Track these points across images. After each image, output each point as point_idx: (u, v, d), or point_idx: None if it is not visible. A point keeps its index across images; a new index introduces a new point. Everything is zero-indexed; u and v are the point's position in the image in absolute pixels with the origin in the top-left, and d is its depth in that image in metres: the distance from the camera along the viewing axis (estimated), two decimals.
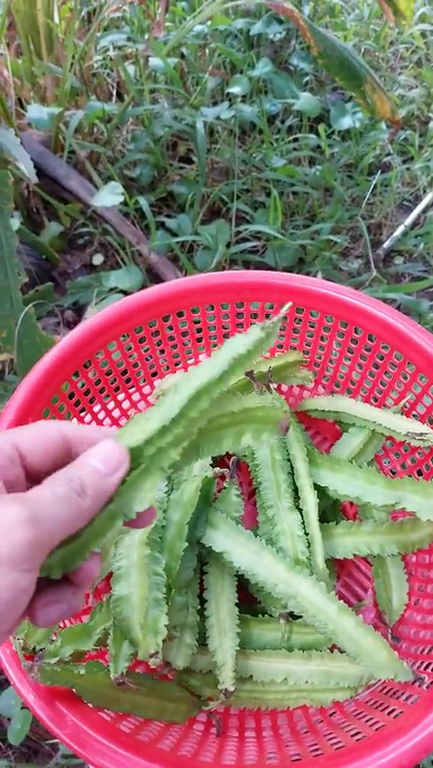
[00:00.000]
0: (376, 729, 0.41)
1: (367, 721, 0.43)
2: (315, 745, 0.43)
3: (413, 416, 0.59)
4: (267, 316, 0.64)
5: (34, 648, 0.42)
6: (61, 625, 0.48)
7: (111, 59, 1.37)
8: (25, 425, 0.34)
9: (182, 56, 1.36)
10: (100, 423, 0.64)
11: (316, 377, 0.67)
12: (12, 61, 1.33)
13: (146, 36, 1.28)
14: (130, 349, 0.62)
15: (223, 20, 1.29)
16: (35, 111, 1.22)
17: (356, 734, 0.42)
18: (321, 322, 0.62)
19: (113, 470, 0.30)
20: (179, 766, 0.37)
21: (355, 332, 0.60)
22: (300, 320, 0.63)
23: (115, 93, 1.45)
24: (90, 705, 0.42)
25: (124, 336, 0.60)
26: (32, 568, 0.27)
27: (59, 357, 0.55)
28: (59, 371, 0.55)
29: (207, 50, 1.38)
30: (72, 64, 1.24)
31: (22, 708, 0.79)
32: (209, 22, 1.31)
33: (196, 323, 0.63)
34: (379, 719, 0.43)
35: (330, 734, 0.44)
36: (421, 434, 0.54)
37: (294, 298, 0.60)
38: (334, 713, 0.48)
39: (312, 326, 0.63)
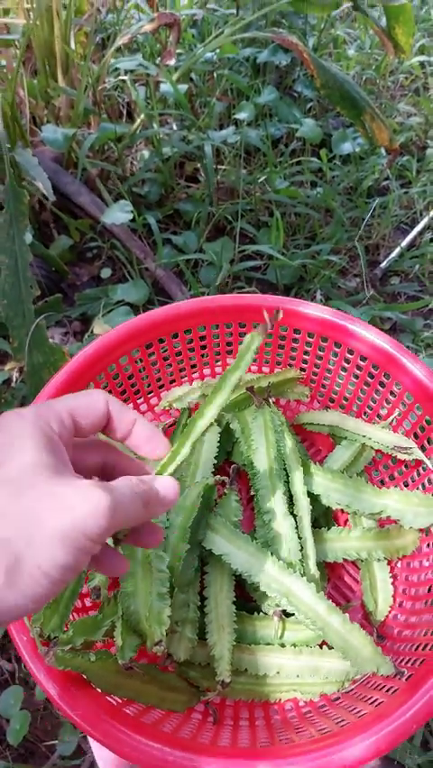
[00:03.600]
0: (359, 717, 0.45)
1: (352, 710, 0.48)
2: (303, 729, 0.47)
3: (400, 431, 0.64)
4: (268, 335, 0.69)
5: (49, 636, 0.46)
6: (73, 618, 0.52)
7: (123, 82, 1.43)
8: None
9: (191, 80, 1.41)
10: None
11: (312, 393, 0.72)
12: (28, 81, 1.39)
13: (157, 61, 1.34)
14: (140, 362, 0.67)
15: (231, 49, 1.34)
16: (50, 131, 1.27)
17: (341, 721, 0.46)
18: (317, 342, 0.67)
19: (169, 501, 0.36)
20: (178, 745, 0.41)
21: (349, 353, 0.65)
22: (298, 340, 0.67)
23: (125, 113, 1.50)
24: (98, 690, 0.46)
25: (135, 351, 0.64)
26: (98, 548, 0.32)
27: (76, 369, 0.60)
28: (75, 383, 0.60)
29: (214, 75, 1.44)
30: (86, 87, 1.29)
31: (21, 709, 0.82)
32: (218, 50, 1.36)
33: (201, 339, 0.68)
34: (362, 708, 0.47)
35: (318, 722, 0.48)
36: (407, 447, 0.59)
37: (293, 321, 0.65)
38: (322, 705, 0.52)
39: (309, 346, 0.68)
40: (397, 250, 1.31)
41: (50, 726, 0.84)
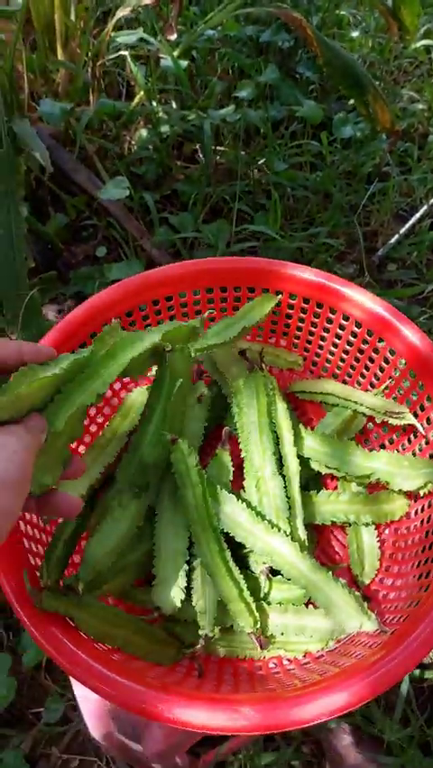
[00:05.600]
0: (341, 668, 0.45)
1: (335, 664, 0.48)
2: (287, 682, 0.47)
3: (392, 398, 0.64)
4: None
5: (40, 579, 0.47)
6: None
7: (123, 59, 1.42)
8: None
9: (192, 59, 1.41)
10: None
11: (305, 362, 0.72)
12: (27, 56, 1.38)
13: (158, 37, 1.33)
14: (133, 326, 0.66)
15: (233, 26, 1.34)
16: (47, 105, 1.26)
17: (324, 673, 0.46)
18: (312, 309, 0.66)
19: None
20: (162, 690, 0.41)
21: (344, 319, 0.65)
22: (293, 306, 0.67)
23: (125, 91, 1.49)
24: (85, 637, 0.46)
25: (128, 314, 0.64)
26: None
27: (68, 328, 0.60)
28: (66, 343, 0.59)
29: (216, 54, 1.43)
30: (85, 62, 1.28)
31: (7, 676, 0.82)
32: (220, 28, 1.36)
33: (196, 304, 0.68)
34: (346, 662, 0.47)
35: (301, 675, 0.49)
36: (399, 412, 0.59)
37: (289, 285, 0.65)
38: (307, 662, 0.53)
39: (304, 312, 0.67)
40: (395, 236, 1.31)
41: (37, 695, 0.85)
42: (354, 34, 1.50)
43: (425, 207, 1.34)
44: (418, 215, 1.34)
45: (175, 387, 0.53)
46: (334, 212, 1.29)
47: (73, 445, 0.64)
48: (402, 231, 1.32)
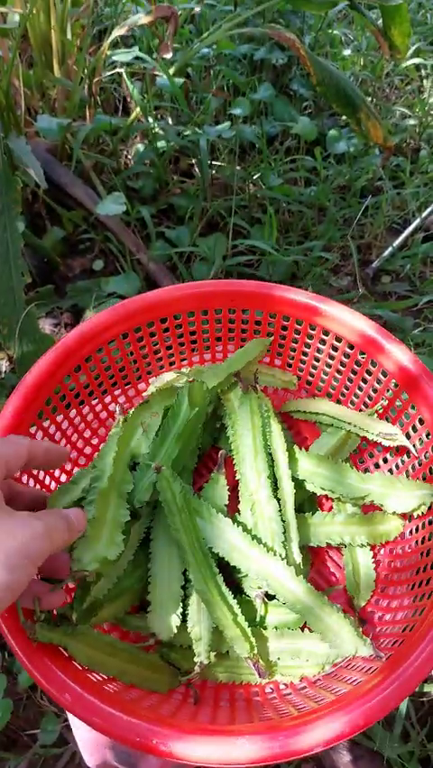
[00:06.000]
0: (338, 695, 0.45)
1: (331, 690, 0.48)
2: (283, 709, 0.47)
3: (386, 419, 0.64)
4: (256, 323, 0.69)
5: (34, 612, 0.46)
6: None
7: (119, 75, 1.43)
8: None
9: (188, 75, 1.42)
10: (97, 415, 0.68)
11: (299, 382, 0.72)
12: (23, 72, 1.39)
13: (153, 55, 1.34)
14: (129, 347, 0.67)
15: (228, 45, 1.35)
16: (45, 121, 1.27)
17: (321, 700, 0.46)
18: (306, 330, 0.67)
19: (81, 528, 0.45)
20: (155, 722, 0.41)
21: (337, 341, 0.65)
22: (286, 327, 0.68)
23: (121, 108, 1.51)
24: (80, 667, 0.46)
25: (123, 335, 0.64)
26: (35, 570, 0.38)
27: (64, 351, 0.60)
28: (63, 365, 0.60)
29: (211, 72, 1.44)
30: (82, 78, 1.29)
31: (3, 698, 0.82)
32: (215, 46, 1.37)
33: (191, 325, 0.68)
34: (342, 688, 0.47)
35: (298, 702, 0.48)
36: (392, 434, 0.59)
37: (283, 308, 0.65)
38: (303, 687, 0.52)
39: (297, 334, 0.68)
40: (389, 249, 1.32)
41: (33, 716, 0.84)
42: (347, 53, 1.52)
43: (417, 221, 1.35)
44: (410, 229, 1.35)
45: (191, 413, 0.58)
46: (328, 226, 1.30)
47: (74, 456, 0.65)
48: (396, 244, 1.33)
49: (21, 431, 0.55)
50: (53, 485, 0.61)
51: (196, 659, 0.52)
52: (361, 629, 0.53)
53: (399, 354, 0.59)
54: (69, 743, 0.81)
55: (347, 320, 0.62)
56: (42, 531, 0.38)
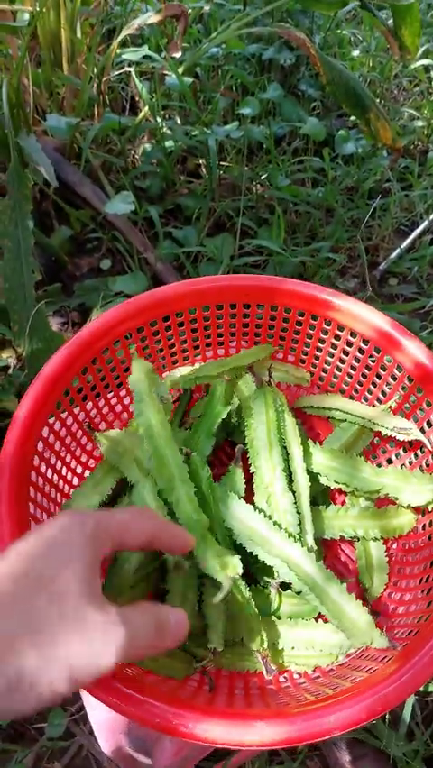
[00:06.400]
0: (353, 683, 0.46)
1: (346, 678, 0.48)
2: (298, 696, 0.48)
3: (400, 414, 0.65)
4: (271, 318, 0.70)
5: None
6: None
7: (128, 75, 1.44)
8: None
9: (196, 75, 1.43)
10: (104, 416, 0.69)
11: (312, 378, 0.73)
12: (33, 71, 1.40)
13: (162, 54, 1.35)
14: (144, 341, 0.67)
15: (237, 44, 1.36)
16: (54, 120, 1.28)
17: (335, 687, 0.47)
18: (320, 325, 0.67)
19: (180, 637, 0.41)
20: (176, 703, 0.42)
21: (351, 336, 0.66)
22: (301, 323, 0.68)
23: (129, 107, 1.51)
24: None
25: (139, 329, 0.65)
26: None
27: (80, 344, 0.60)
28: (72, 365, 0.60)
29: (219, 71, 1.45)
30: (91, 77, 1.30)
31: None
32: (224, 45, 1.38)
33: (206, 320, 0.69)
34: (357, 676, 0.47)
35: (312, 689, 0.49)
36: (406, 428, 0.60)
37: (297, 302, 0.66)
38: (317, 676, 0.53)
39: (312, 329, 0.69)
40: (396, 251, 1.33)
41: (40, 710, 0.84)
42: (355, 53, 1.53)
43: (425, 223, 1.36)
44: (418, 231, 1.36)
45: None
46: (336, 227, 1.31)
47: (84, 460, 0.65)
48: (403, 245, 1.34)
49: (39, 420, 0.55)
50: (70, 476, 0.62)
51: (209, 645, 0.52)
52: (375, 621, 0.53)
53: (414, 350, 0.60)
54: (76, 736, 0.81)
55: (363, 315, 0.63)
56: (121, 644, 0.34)
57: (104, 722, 0.57)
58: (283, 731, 0.40)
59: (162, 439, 0.55)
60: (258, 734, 0.40)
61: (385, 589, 0.60)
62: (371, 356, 0.66)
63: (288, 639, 0.54)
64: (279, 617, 0.55)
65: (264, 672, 0.51)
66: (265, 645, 0.52)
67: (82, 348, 0.60)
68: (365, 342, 0.65)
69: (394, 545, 0.63)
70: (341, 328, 0.66)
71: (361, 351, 0.66)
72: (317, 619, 0.56)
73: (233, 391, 0.65)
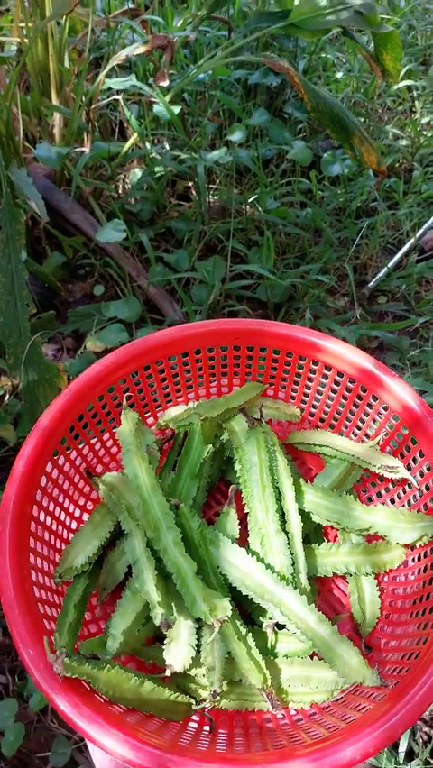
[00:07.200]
0: (348, 722, 0.48)
1: (341, 717, 0.50)
2: (295, 736, 0.50)
3: (387, 450, 0.67)
4: (261, 359, 0.72)
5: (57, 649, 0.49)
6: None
7: (116, 101, 1.46)
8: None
9: (183, 100, 1.45)
10: (100, 458, 0.71)
11: (303, 414, 0.75)
12: (21, 98, 1.41)
13: (150, 80, 1.37)
14: (138, 384, 0.69)
15: (223, 71, 1.38)
16: (44, 150, 1.29)
17: (331, 727, 0.49)
18: (308, 365, 0.70)
19: None
20: (176, 752, 0.43)
21: (339, 375, 0.68)
22: (290, 362, 0.70)
23: (118, 132, 1.53)
24: (103, 699, 0.49)
25: (134, 373, 0.67)
26: None
27: (76, 393, 0.62)
28: (69, 414, 0.62)
29: (207, 95, 1.47)
30: (80, 106, 1.31)
31: (15, 722, 0.83)
32: (210, 72, 1.40)
33: (198, 362, 0.71)
34: (351, 715, 0.49)
35: (309, 728, 0.51)
36: (393, 467, 0.62)
37: (285, 344, 0.68)
38: (313, 713, 0.55)
39: (300, 368, 0.71)
40: (384, 270, 1.35)
41: (44, 739, 0.86)
42: (339, 75, 1.55)
43: (412, 240, 1.38)
44: (405, 249, 1.38)
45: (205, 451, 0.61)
46: (325, 247, 1.33)
47: (81, 503, 0.67)
48: (391, 264, 1.36)
49: (37, 472, 0.57)
50: (68, 521, 0.64)
51: (209, 688, 0.54)
52: (367, 656, 0.55)
53: (398, 390, 0.62)
54: (80, 765, 0.83)
55: (348, 356, 0.65)
56: None
57: (104, 760, 0.59)
58: None
59: (148, 487, 0.57)
60: None
61: (378, 623, 0.61)
62: (358, 395, 0.68)
63: (285, 677, 0.56)
64: (275, 656, 0.57)
65: (270, 707, 0.53)
66: (270, 683, 0.54)
67: (78, 397, 0.62)
68: (352, 380, 0.67)
69: (385, 579, 0.65)
70: (328, 368, 0.68)
71: (348, 389, 0.69)
72: (312, 657, 0.58)
73: (213, 429, 0.66)
